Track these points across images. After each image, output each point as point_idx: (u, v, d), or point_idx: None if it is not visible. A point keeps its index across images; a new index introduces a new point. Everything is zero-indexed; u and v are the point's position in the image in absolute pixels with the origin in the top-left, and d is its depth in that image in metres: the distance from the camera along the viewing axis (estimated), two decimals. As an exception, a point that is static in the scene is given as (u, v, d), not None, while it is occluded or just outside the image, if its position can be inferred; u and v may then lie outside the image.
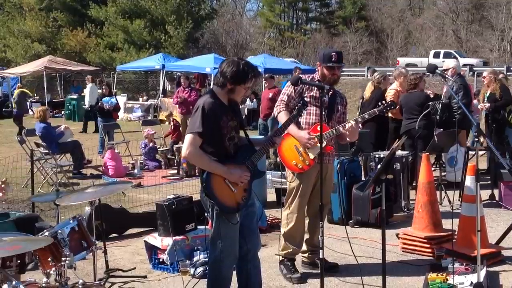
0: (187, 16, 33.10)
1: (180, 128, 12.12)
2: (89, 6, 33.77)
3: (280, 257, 4.94)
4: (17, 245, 3.39)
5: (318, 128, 4.63)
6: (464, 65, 27.86)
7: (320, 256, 3.85)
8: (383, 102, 4.76)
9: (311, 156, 4.67)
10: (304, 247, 5.06)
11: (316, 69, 4.98)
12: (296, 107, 4.09)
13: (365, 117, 4.80)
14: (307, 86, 4.73)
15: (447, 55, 31.49)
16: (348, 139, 4.81)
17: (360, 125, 8.39)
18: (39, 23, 32.55)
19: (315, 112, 4.76)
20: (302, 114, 4.72)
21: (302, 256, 5.10)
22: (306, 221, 4.99)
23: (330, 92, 4.82)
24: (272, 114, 11.99)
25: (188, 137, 3.73)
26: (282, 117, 4.68)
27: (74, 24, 33.81)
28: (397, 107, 8.33)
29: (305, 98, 4.70)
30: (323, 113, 4.75)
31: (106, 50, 32.39)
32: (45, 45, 31.94)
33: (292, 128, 4.66)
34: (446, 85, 8.13)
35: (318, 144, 4.58)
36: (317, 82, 4.71)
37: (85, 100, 17.51)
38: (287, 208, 4.89)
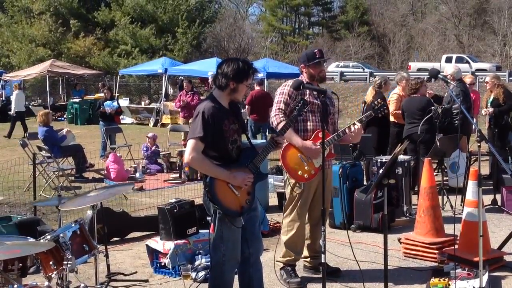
0: (198, 21, 33.39)
1: (184, 133, 12.14)
2: (98, 10, 33.93)
3: (281, 264, 4.94)
4: (16, 249, 3.40)
5: (320, 135, 4.62)
6: (478, 70, 27.82)
7: (322, 261, 3.84)
8: (376, 103, 4.76)
9: (316, 164, 4.63)
10: (306, 253, 5.05)
11: (301, 72, 4.89)
12: (296, 107, 4.07)
13: (362, 119, 4.74)
14: (300, 92, 4.69)
15: (460, 60, 31.33)
16: (351, 139, 4.74)
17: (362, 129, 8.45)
18: (47, 28, 32.58)
19: (311, 118, 4.70)
20: (298, 121, 4.66)
21: (304, 261, 5.09)
22: (307, 227, 4.98)
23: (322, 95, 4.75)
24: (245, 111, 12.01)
25: (189, 143, 3.74)
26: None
27: (82, 29, 33.90)
28: (399, 111, 8.36)
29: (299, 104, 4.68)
30: (318, 118, 4.70)
31: (112, 55, 32.47)
32: (49, 49, 31.99)
33: (296, 139, 4.60)
34: (448, 89, 8.13)
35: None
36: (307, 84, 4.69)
37: (12, 106, 17.55)
38: (287, 216, 4.86)
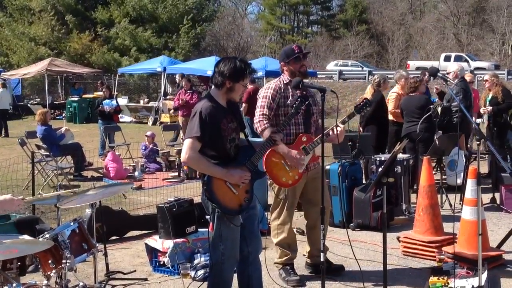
0: (198, 20, 33.44)
1: (182, 131, 12.12)
2: (96, 9, 33.89)
3: (280, 265, 4.93)
4: (14, 249, 3.38)
5: (303, 139, 4.57)
6: (476, 69, 27.81)
7: (322, 259, 3.83)
8: (358, 103, 4.69)
9: (300, 170, 4.55)
10: (309, 251, 5.03)
11: (282, 72, 4.82)
12: (294, 105, 4.04)
13: (345, 120, 4.61)
14: (283, 94, 4.65)
15: (458, 59, 31.30)
16: (334, 141, 4.62)
17: (360, 128, 8.44)
18: (47, 27, 32.48)
19: (294, 122, 4.59)
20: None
21: (307, 259, 5.06)
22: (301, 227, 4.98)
23: (300, 93, 4.65)
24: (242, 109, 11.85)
25: (186, 142, 3.73)
26: (267, 135, 4.42)
27: (81, 27, 33.88)
28: (398, 110, 8.36)
29: (282, 108, 4.63)
30: (301, 121, 4.63)
31: (112, 53, 32.43)
32: (49, 48, 31.91)
33: (282, 147, 4.48)
34: (447, 88, 8.12)
35: (306, 158, 4.53)
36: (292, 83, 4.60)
37: None
38: (276, 219, 4.86)
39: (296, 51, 4.69)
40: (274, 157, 4.52)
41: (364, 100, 4.60)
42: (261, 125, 4.56)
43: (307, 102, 4.61)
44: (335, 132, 4.47)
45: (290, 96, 4.65)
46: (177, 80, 15.14)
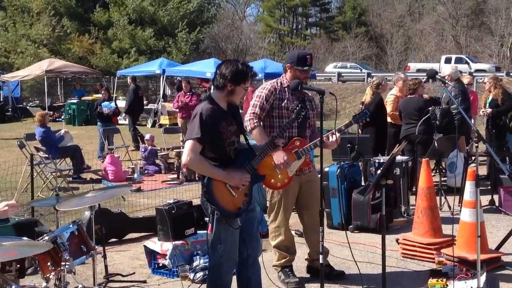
0: (198, 22, 33.51)
1: (182, 134, 12.12)
2: (95, 11, 33.91)
3: (279, 267, 4.93)
4: (13, 251, 3.38)
5: (297, 143, 4.53)
6: (477, 71, 27.83)
7: (320, 261, 3.83)
8: (357, 113, 4.65)
9: (290, 173, 4.50)
10: (307, 254, 5.03)
11: (284, 72, 4.79)
12: (295, 110, 4.04)
13: (341, 128, 4.54)
14: (278, 96, 4.64)
15: (459, 60, 31.30)
16: (327, 148, 4.53)
17: (359, 130, 8.44)
18: (48, 28, 32.45)
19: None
20: (275, 126, 4.57)
21: (309, 263, 5.04)
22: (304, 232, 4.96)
23: (299, 95, 4.65)
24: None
25: (187, 144, 3.74)
26: (257, 135, 4.47)
27: (80, 29, 33.88)
28: (396, 112, 8.37)
29: (276, 110, 4.61)
30: (295, 124, 4.55)
31: (112, 55, 32.43)
32: (51, 52, 31.87)
33: None
34: (445, 90, 8.14)
35: (294, 163, 4.48)
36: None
37: None
38: (273, 221, 4.86)
39: (307, 62, 4.68)
40: (265, 158, 4.49)
41: (364, 111, 4.59)
42: (251, 124, 4.58)
43: (304, 108, 4.59)
44: (331, 139, 4.44)
45: (286, 99, 4.64)
46: (129, 83, 15.22)
